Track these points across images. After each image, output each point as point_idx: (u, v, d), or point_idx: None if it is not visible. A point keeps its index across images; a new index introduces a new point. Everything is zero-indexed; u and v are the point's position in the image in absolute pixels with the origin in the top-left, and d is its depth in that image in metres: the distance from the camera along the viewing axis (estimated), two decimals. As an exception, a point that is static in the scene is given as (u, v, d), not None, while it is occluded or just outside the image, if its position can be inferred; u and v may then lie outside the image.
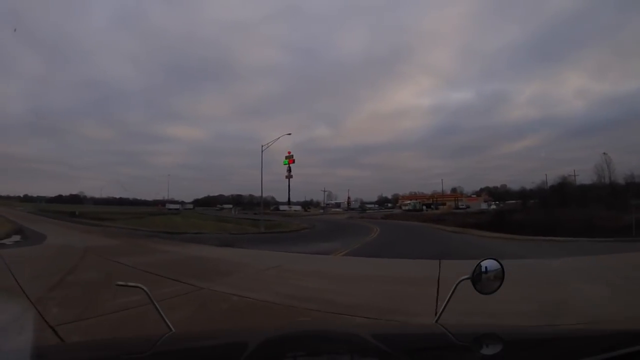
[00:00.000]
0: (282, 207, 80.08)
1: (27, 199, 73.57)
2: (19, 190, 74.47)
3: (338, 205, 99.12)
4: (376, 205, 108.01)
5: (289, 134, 34.31)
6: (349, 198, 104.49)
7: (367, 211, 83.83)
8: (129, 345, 1.53)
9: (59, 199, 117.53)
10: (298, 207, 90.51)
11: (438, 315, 1.79)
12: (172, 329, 1.64)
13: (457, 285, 1.63)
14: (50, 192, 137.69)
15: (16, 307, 2.53)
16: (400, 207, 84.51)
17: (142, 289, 1.70)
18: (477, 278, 1.59)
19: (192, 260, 9.75)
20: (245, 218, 46.60)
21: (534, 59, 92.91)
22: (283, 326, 2.31)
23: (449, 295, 1.67)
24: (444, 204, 74.14)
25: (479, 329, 1.82)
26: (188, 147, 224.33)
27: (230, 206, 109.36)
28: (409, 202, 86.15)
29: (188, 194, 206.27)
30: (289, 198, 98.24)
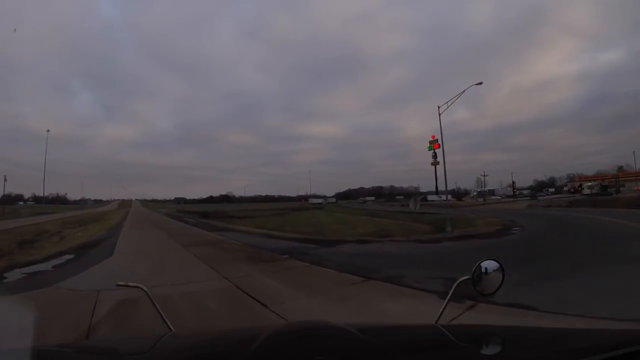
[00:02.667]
0: (430, 198, 71.84)
1: (177, 200, 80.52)
2: (173, 194, 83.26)
3: (492, 192, 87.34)
4: (549, 190, 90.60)
5: (480, 83, 23.29)
6: (513, 184, 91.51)
7: (538, 198, 71.52)
8: (129, 345, 1.54)
9: (210, 199, 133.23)
10: (448, 197, 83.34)
11: (438, 315, 1.72)
12: (172, 329, 1.68)
13: (456, 285, 1.64)
14: (203, 193, 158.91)
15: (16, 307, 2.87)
16: (578, 191, 72.47)
17: (142, 289, 1.74)
18: (477, 279, 1.60)
19: None
20: (398, 211, 40.93)
21: None
22: (283, 326, 2.09)
23: (448, 296, 1.68)
24: (622, 185, 65.15)
25: (479, 329, 1.82)
26: (326, 144, 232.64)
27: (372, 198, 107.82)
28: (590, 183, 73.63)
29: (329, 188, 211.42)
30: (436, 187, 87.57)
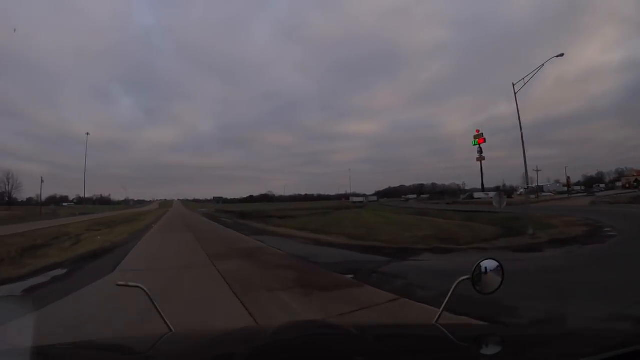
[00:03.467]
0: (476, 195, 68.82)
1: (216, 200, 79.44)
2: (214, 194, 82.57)
3: (541, 188, 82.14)
4: (600, 185, 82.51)
5: (561, 55, 18.23)
6: (568, 179, 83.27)
7: (595, 194, 65.66)
8: (129, 345, 1.52)
9: (250, 199, 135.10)
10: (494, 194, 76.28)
11: (438, 315, 1.68)
12: (172, 329, 1.65)
13: (456, 285, 1.61)
14: (243, 193, 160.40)
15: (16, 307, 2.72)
16: (633, 186, 69.02)
17: (142, 289, 1.70)
18: (477, 278, 1.58)
19: None
20: (449, 210, 37.34)
21: None
22: (283, 326, 1.75)
23: (448, 296, 1.64)
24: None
25: (478, 329, 1.98)
26: (365, 142, 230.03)
27: (414, 196, 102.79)
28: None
29: (368, 186, 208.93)
30: (482, 184, 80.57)
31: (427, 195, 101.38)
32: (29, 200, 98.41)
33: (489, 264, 1.59)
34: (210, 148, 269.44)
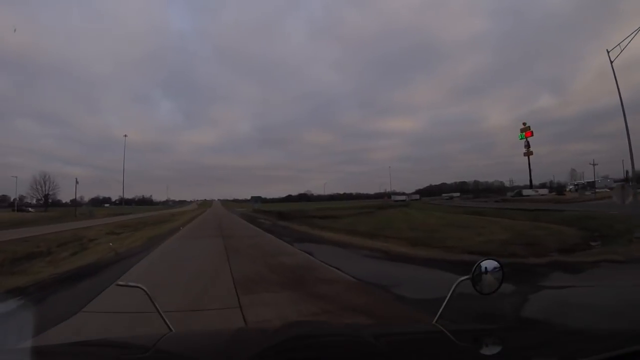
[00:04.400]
0: (525, 192, 63.03)
1: (254, 199, 75.82)
2: (253, 193, 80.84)
3: (592, 184, 74.88)
4: None
5: None
6: (628, 172, 73.26)
7: None
8: (129, 345, 1.51)
9: (288, 198, 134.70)
10: (544, 191, 71.83)
11: (437, 315, 1.69)
12: (172, 329, 1.68)
13: (456, 285, 1.60)
14: (281, 192, 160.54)
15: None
16: None
17: (142, 289, 1.70)
18: (477, 278, 1.57)
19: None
20: (505, 208, 33.22)
21: None
22: (284, 326, 1.96)
23: (448, 296, 1.64)
24: None
25: (478, 329, 1.85)
26: (404, 139, 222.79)
27: (457, 194, 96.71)
28: None
29: (408, 184, 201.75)
30: (530, 180, 76.93)
31: (470, 194, 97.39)
32: (73, 201, 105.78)
33: (489, 264, 1.57)
34: (248, 148, 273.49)
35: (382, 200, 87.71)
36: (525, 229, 16.30)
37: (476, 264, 1.58)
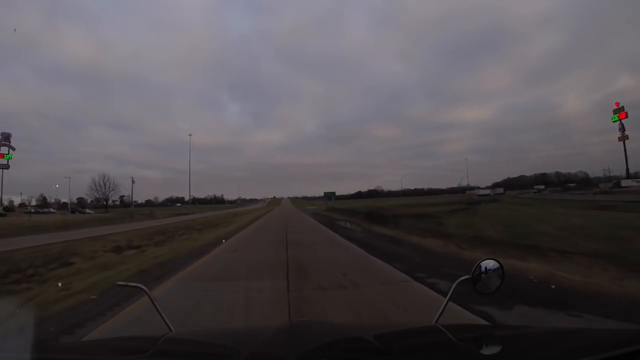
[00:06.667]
0: (624, 183, 54.12)
1: (327, 196, 67.75)
2: (321, 191, 75.70)
3: None
4: None
5: None
6: None
7: None
8: (129, 345, 1.49)
9: (358, 195, 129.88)
10: None
11: (438, 315, 1.63)
12: (172, 329, 1.62)
13: (456, 285, 1.58)
14: (350, 189, 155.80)
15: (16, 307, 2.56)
16: None
17: (142, 289, 1.66)
18: (477, 278, 1.55)
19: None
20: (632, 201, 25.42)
21: None
22: (284, 326, 1.86)
23: (448, 296, 1.62)
24: None
25: (478, 329, 1.82)
26: (475, 130, 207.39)
27: (542, 187, 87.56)
28: None
29: (482, 178, 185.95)
30: (627, 169, 62.39)
31: (558, 187, 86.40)
32: (148, 202, 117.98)
33: (489, 264, 1.55)
34: (316, 146, 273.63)
35: (465, 195, 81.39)
36: None
37: (476, 264, 1.55)
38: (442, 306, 1.64)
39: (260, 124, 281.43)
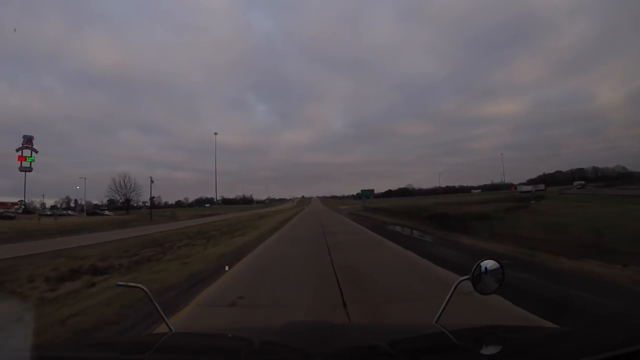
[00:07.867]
0: None
1: (365, 194, 63.05)
2: (350, 190, 71.19)
3: None
4: None
5: None
6: None
7: None
8: (129, 345, 1.49)
9: (389, 193, 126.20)
10: None
11: (438, 315, 1.63)
12: (172, 329, 1.61)
13: (456, 285, 1.58)
14: (380, 188, 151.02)
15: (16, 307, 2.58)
16: None
17: (143, 289, 1.62)
18: (477, 278, 1.54)
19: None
20: None
21: None
22: (284, 326, 1.73)
23: (448, 296, 1.60)
24: None
25: (478, 329, 1.74)
26: (507, 125, 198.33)
27: (583, 182, 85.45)
28: None
29: (516, 174, 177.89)
30: None
31: (601, 182, 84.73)
32: (178, 202, 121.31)
33: (489, 263, 1.53)
34: (344, 145, 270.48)
35: (509, 192, 77.82)
36: None
37: (476, 264, 1.54)
38: (442, 306, 1.61)
39: (288, 123, 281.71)
